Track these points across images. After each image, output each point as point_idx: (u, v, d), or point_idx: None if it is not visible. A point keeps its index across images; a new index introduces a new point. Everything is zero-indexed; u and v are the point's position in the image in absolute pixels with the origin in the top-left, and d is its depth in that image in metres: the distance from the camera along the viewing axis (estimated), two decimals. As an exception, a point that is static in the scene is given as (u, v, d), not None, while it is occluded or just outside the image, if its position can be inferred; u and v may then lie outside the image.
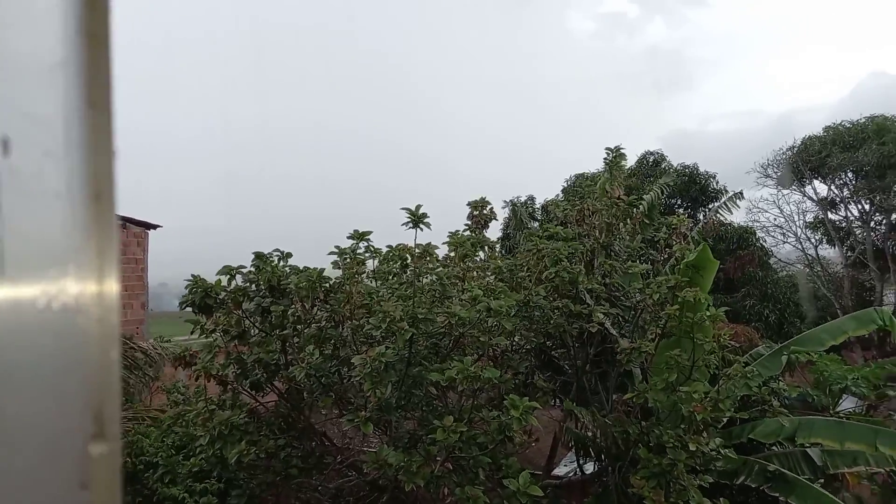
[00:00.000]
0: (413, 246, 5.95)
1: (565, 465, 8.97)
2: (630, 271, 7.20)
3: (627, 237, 8.06)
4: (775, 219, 22.57)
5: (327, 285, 5.75)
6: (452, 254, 6.73)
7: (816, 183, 21.77)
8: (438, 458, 5.12)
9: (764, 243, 21.23)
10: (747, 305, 18.41)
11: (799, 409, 8.32)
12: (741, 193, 19.35)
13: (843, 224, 22.15)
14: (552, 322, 6.85)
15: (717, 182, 20.27)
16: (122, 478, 0.62)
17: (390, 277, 6.69)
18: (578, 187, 8.58)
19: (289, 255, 6.02)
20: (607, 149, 8.33)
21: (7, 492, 0.65)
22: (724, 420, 7.15)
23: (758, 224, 22.09)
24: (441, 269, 6.32)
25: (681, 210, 19.64)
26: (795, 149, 21.71)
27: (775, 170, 22.25)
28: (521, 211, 18.03)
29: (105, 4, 0.58)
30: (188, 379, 6.06)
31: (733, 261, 19.02)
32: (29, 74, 0.62)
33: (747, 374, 6.44)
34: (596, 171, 8.70)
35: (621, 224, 7.87)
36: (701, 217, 19.94)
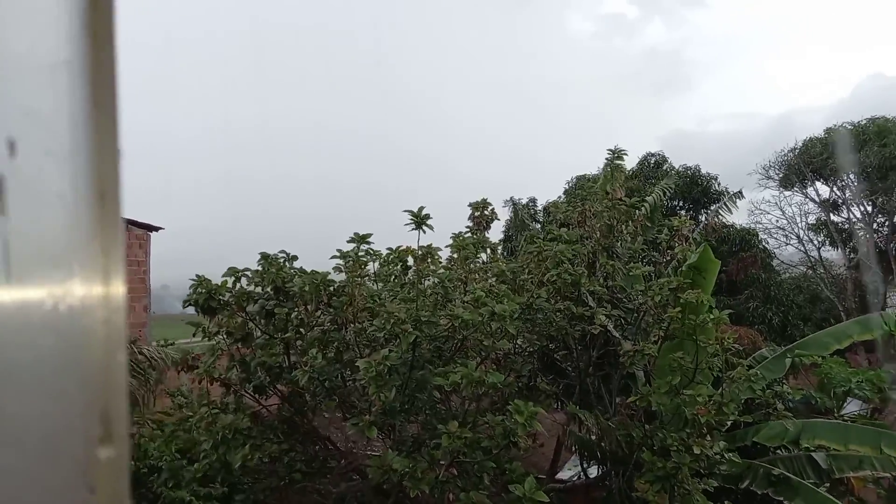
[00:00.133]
0: (416, 248, 5.93)
1: (569, 469, 8.93)
2: (632, 273, 7.19)
3: (629, 239, 8.04)
4: (777, 220, 22.56)
5: (332, 288, 5.74)
6: (455, 255, 6.72)
7: (818, 184, 21.74)
8: (443, 463, 5.10)
9: (766, 245, 21.22)
10: (750, 308, 18.38)
11: (803, 412, 8.29)
12: (741, 193, 19.28)
13: (846, 226, 22.10)
14: (554, 325, 6.83)
15: (719, 183, 20.27)
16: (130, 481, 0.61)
17: (392, 279, 6.69)
18: (580, 189, 8.57)
19: (294, 257, 6.01)
20: (608, 150, 8.32)
21: (13, 493, 0.65)
22: (729, 423, 7.13)
23: (760, 226, 22.09)
24: (443, 271, 6.30)
25: (683, 212, 19.63)
26: (797, 150, 21.68)
27: (777, 171, 22.23)
28: (522, 212, 18.03)
29: (109, 4, 0.57)
30: (191, 382, 6.04)
31: (736, 263, 19.00)
32: (33, 74, 0.61)
33: (751, 377, 6.42)
34: (597, 172, 8.69)
35: (623, 226, 7.85)
36: (703, 219, 19.92)
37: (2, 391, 0.67)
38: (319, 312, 5.85)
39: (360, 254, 5.82)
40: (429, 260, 5.99)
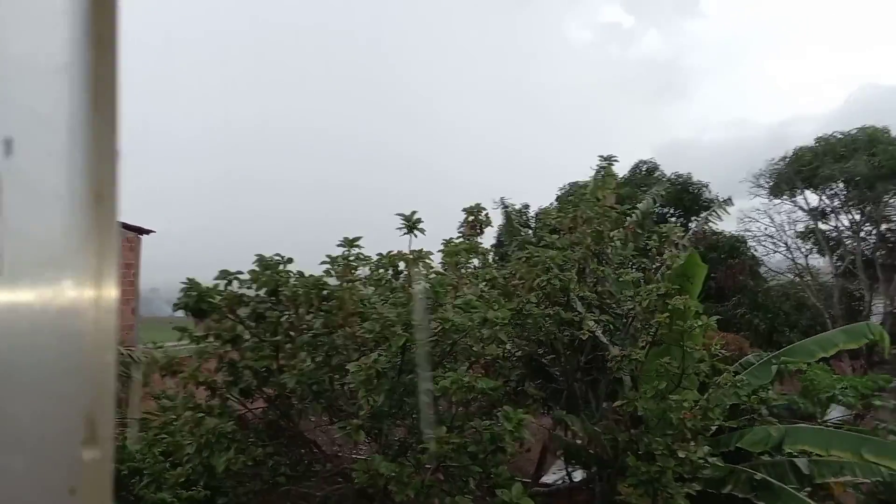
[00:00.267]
0: (407, 252, 5.95)
1: (554, 473, 8.96)
2: (621, 279, 7.24)
3: (619, 245, 8.10)
4: (766, 228, 22.76)
5: (325, 292, 5.73)
6: (447, 260, 6.74)
7: (808, 193, 21.96)
8: (429, 467, 5.11)
9: (755, 252, 21.43)
10: (738, 314, 18.54)
11: (787, 418, 8.37)
12: (730, 199, 19.48)
13: (834, 234, 22.33)
14: (543, 330, 6.87)
15: (710, 191, 20.45)
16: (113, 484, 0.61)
17: (383, 283, 6.69)
18: (572, 195, 8.62)
19: (290, 259, 5.99)
20: (600, 157, 8.38)
21: None
22: (714, 428, 7.19)
23: (749, 234, 22.29)
24: (434, 276, 6.32)
25: (673, 219, 19.76)
26: (787, 159, 21.90)
27: (767, 180, 22.43)
28: (514, 217, 18.07)
29: (112, 7, 0.58)
30: (176, 386, 6.01)
31: (725, 270, 19.16)
32: (34, 75, 0.62)
33: (736, 382, 6.48)
34: (590, 177, 8.75)
35: (613, 232, 7.91)
36: (693, 226, 20.06)
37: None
38: (311, 316, 5.84)
39: (350, 258, 5.82)
40: (420, 264, 6.01)
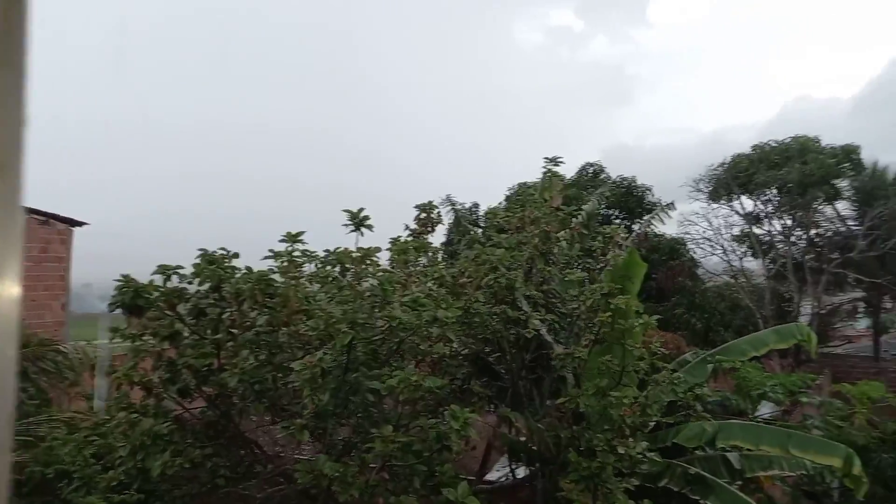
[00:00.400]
0: (353, 250, 5.86)
1: (498, 470, 9.04)
2: (567, 278, 7.35)
3: (565, 245, 8.23)
4: (704, 231, 23.56)
5: (270, 289, 5.59)
6: (395, 258, 6.70)
7: (744, 198, 22.85)
8: (373, 467, 5.07)
9: (694, 255, 22.14)
10: (677, 314, 19.15)
11: (720, 414, 8.69)
12: (672, 204, 20.12)
13: (767, 238, 23.32)
14: (490, 328, 6.91)
15: (653, 195, 21.04)
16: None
17: (329, 281, 6.59)
18: (520, 195, 8.73)
19: (235, 255, 5.83)
20: (545, 158, 8.49)
21: None
22: (652, 424, 7.40)
23: (688, 236, 23.02)
24: (382, 273, 6.26)
25: (617, 221, 20.25)
26: (725, 165, 22.74)
27: (706, 185, 23.24)
28: (463, 215, 18.15)
29: None
30: (109, 386, 5.78)
31: (665, 271, 19.77)
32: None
33: (674, 380, 6.68)
34: (536, 179, 8.87)
35: (560, 233, 8.03)
36: (636, 228, 20.62)
37: None
38: (255, 313, 5.70)
39: (293, 254, 5.71)
40: (367, 262, 5.95)
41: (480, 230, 16.19)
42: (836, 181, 21.00)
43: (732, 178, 22.15)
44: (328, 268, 6.47)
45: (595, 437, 6.01)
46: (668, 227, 20.19)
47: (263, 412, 5.71)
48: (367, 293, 5.95)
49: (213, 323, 5.61)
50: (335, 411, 5.42)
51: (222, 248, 5.77)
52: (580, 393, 6.35)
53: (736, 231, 23.49)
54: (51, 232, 11.81)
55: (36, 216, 11.17)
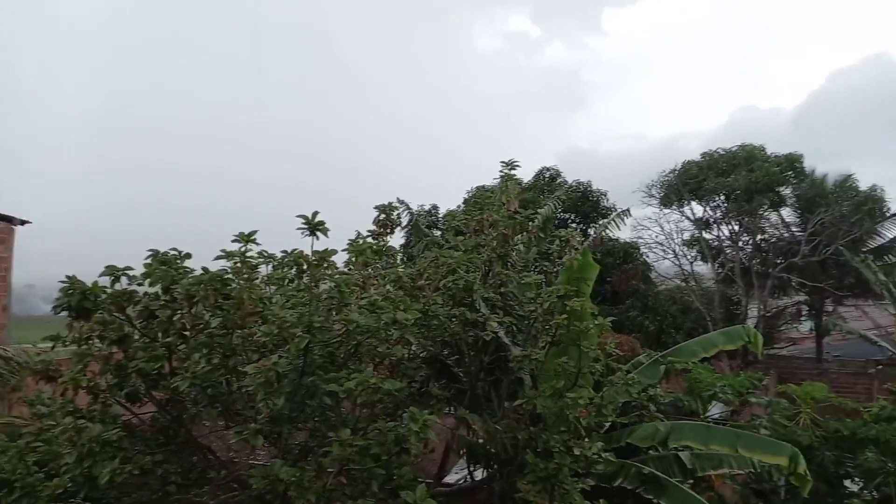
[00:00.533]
0: (308, 253, 5.76)
1: (456, 473, 9.06)
2: (524, 281, 7.42)
3: (523, 248, 8.31)
4: (657, 236, 24.13)
5: (226, 290, 5.45)
6: (354, 259, 6.64)
7: (694, 204, 23.50)
8: (331, 471, 5.01)
9: (647, 258, 22.66)
10: (630, 316, 19.56)
11: (672, 415, 8.90)
12: (628, 211, 20.59)
13: (716, 243, 24.04)
14: (449, 330, 6.92)
15: (608, 199, 21.44)
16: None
17: (285, 283, 6.49)
18: (478, 198, 8.78)
19: (187, 255, 5.65)
20: (502, 162, 8.56)
21: None
22: (607, 425, 7.53)
23: (641, 241, 23.54)
24: (339, 275, 6.19)
25: (574, 225, 20.56)
26: (676, 172, 23.35)
27: (658, 190, 23.81)
28: (418, 218, 18.16)
29: None
30: (54, 392, 5.54)
31: (619, 275, 20.17)
32: None
33: (628, 381, 6.82)
34: (494, 182, 8.93)
35: (518, 236, 8.10)
36: (592, 232, 20.98)
37: None
38: (209, 315, 5.56)
39: (248, 254, 5.58)
40: (324, 265, 5.87)
41: (439, 233, 16.25)
42: (780, 188, 21.82)
43: (683, 185, 22.77)
44: (283, 270, 6.38)
45: (552, 438, 6.08)
46: (622, 232, 20.66)
47: (216, 417, 5.56)
48: (324, 296, 5.88)
49: (164, 325, 5.45)
50: (291, 415, 5.33)
51: (174, 248, 5.61)
52: (537, 394, 6.41)
53: (686, 236, 24.17)
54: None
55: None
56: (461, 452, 8.22)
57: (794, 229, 23.03)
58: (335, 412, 5.84)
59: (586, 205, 21.09)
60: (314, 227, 5.28)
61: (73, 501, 4.90)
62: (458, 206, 15.71)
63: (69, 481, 4.92)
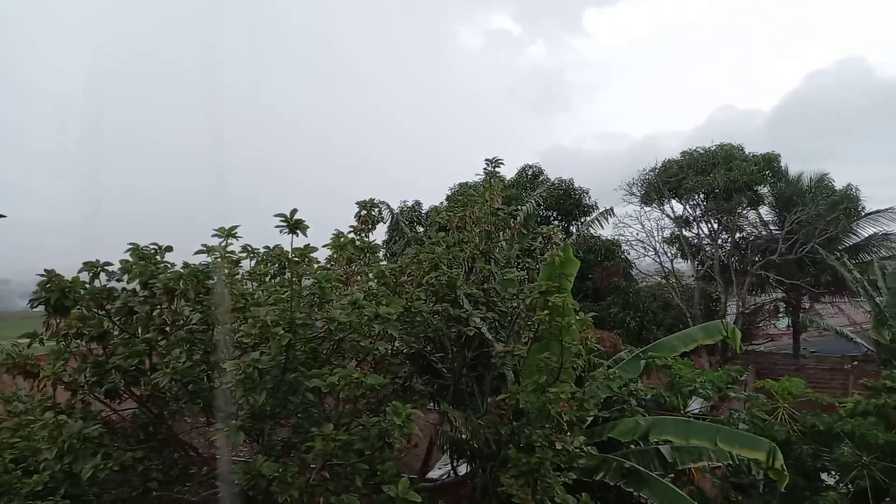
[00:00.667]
0: (289, 251, 5.71)
1: (440, 468, 9.08)
2: (506, 277, 7.46)
3: (506, 245, 8.34)
4: (638, 233, 24.30)
5: (208, 283, 5.38)
6: (336, 255, 6.62)
7: (674, 202, 23.73)
8: (314, 467, 4.99)
9: (628, 256, 22.82)
10: (612, 313, 19.71)
11: (653, 410, 9.00)
12: (612, 210, 20.79)
13: (695, 241, 24.30)
14: (432, 326, 6.93)
15: (590, 197, 21.56)
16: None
17: (267, 279, 6.45)
18: (461, 195, 8.80)
19: (168, 248, 5.58)
20: (486, 159, 8.59)
21: None
22: (589, 420, 7.59)
23: (623, 238, 23.69)
24: (321, 272, 6.16)
25: (556, 222, 20.66)
26: (657, 170, 23.56)
27: (639, 188, 24.00)
28: (399, 217, 18.19)
29: None
30: (32, 388, 5.45)
31: (601, 272, 20.31)
32: None
33: (609, 375, 6.88)
34: (477, 179, 8.95)
35: (500, 233, 8.13)
36: (574, 230, 21.10)
37: None
38: (189, 311, 5.51)
39: (229, 249, 5.52)
40: (305, 261, 5.83)
41: (422, 229, 16.24)
42: (758, 187, 22.11)
43: (663, 183, 22.97)
44: (263, 266, 6.34)
45: (534, 432, 6.11)
46: (603, 230, 20.83)
47: (198, 413, 5.52)
48: (306, 292, 5.85)
49: (144, 321, 5.39)
50: (273, 412, 5.30)
51: (154, 243, 5.55)
52: (520, 390, 6.44)
53: (667, 234, 24.38)
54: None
55: (-53, 209, 10.45)
56: (445, 448, 8.24)
57: (771, 228, 23.35)
58: (318, 408, 5.82)
59: (568, 202, 21.18)
60: (294, 226, 5.24)
61: (53, 499, 4.83)
62: (441, 203, 15.70)
63: (49, 478, 4.85)
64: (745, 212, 22.89)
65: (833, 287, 22.71)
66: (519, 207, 9.69)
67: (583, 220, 21.30)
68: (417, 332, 7.03)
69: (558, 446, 6.00)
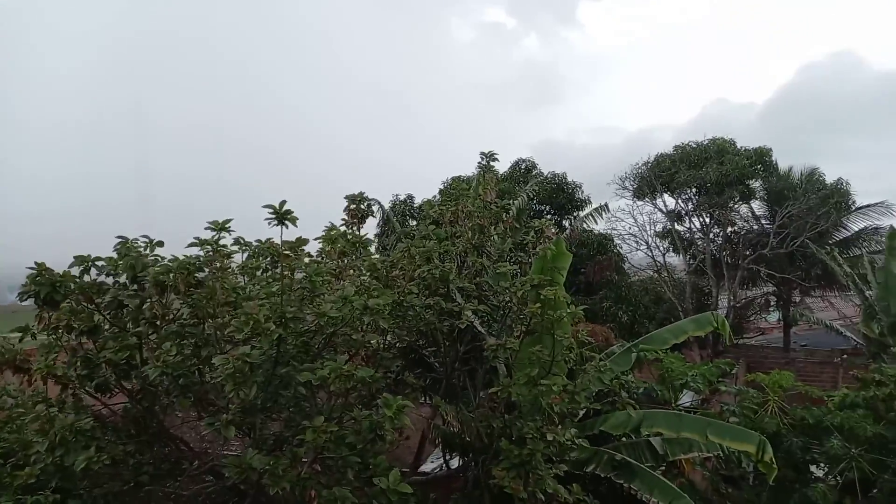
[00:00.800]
0: (279, 243, 5.69)
1: (432, 462, 9.11)
2: (499, 271, 7.47)
3: (498, 239, 8.35)
4: (630, 227, 24.37)
5: (195, 278, 5.36)
6: (328, 248, 6.60)
7: (666, 196, 23.78)
8: (305, 460, 4.99)
9: (620, 250, 22.88)
10: (604, 307, 19.76)
11: (645, 403, 9.05)
12: (606, 206, 20.83)
13: (687, 235, 24.38)
14: (424, 320, 6.93)
15: (583, 192, 21.58)
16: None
17: (259, 273, 6.43)
18: (453, 189, 8.79)
19: (159, 243, 5.55)
20: (481, 153, 8.59)
21: None
22: (581, 413, 7.63)
23: (615, 232, 23.74)
24: (312, 265, 6.15)
25: (548, 216, 20.66)
26: (649, 164, 23.61)
27: (631, 182, 24.05)
28: (390, 213, 18.18)
29: None
30: (21, 383, 5.42)
31: (593, 266, 20.36)
32: None
33: (600, 368, 6.91)
34: (472, 173, 8.95)
35: (493, 227, 8.14)
36: (567, 224, 21.12)
37: None
38: (180, 304, 5.49)
39: (220, 243, 5.49)
40: (296, 254, 5.81)
41: (414, 223, 16.21)
42: (749, 182, 22.20)
43: (656, 177, 23.02)
44: (255, 259, 6.32)
45: (526, 425, 6.14)
46: (597, 224, 20.86)
47: (189, 407, 5.51)
48: (297, 286, 5.84)
49: (134, 314, 5.37)
50: (265, 406, 5.30)
51: (145, 236, 5.52)
52: (512, 383, 6.46)
53: (659, 228, 24.46)
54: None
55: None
56: (437, 442, 8.27)
57: (763, 222, 23.46)
58: (310, 402, 5.82)
59: (561, 196, 21.19)
60: (282, 216, 5.21)
61: (42, 493, 4.81)
62: (434, 197, 15.68)
63: (40, 471, 4.84)
64: (736, 206, 22.98)
65: (823, 281, 22.86)
66: (511, 201, 9.69)
67: (576, 214, 21.31)
68: (410, 326, 7.03)
69: (549, 437, 6.02)
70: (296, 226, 5.34)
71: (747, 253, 22.50)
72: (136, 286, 5.34)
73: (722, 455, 8.17)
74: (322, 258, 6.69)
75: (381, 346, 6.70)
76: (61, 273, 5.22)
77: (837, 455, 9.06)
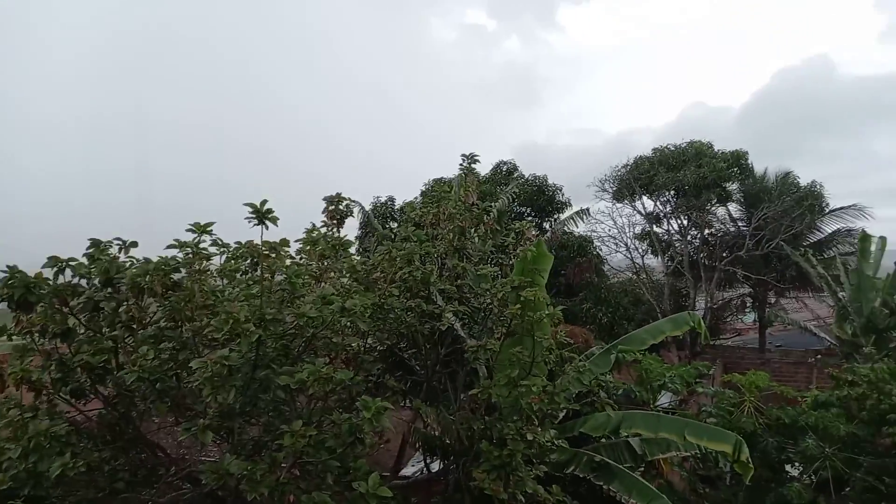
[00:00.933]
0: (259, 244, 5.64)
1: (413, 465, 9.08)
2: (479, 273, 7.48)
3: (479, 241, 8.36)
4: (610, 229, 24.58)
5: (174, 279, 5.28)
6: (308, 249, 6.55)
7: (645, 199, 24.03)
8: (284, 465, 4.94)
9: (600, 252, 23.06)
10: (584, 308, 19.90)
11: (624, 405, 9.12)
12: (587, 210, 20.99)
13: (665, 237, 24.65)
14: (405, 323, 6.91)
15: (563, 194, 21.72)
16: None
17: (238, 275, 6.36)
18: (435, 191, 8.78)
19: (133, 244, 5.46)
20: (462, 155, 8.60)
21: None
22: (561, 415, 7.67)
23: (595, 234, 23.93)
24: (292, 266, 6.10)
25: (529, 218, 20.75)
26: (629, 166, 23.83)
27: (611, 185, 24.26)
28: (370, 214, 18.13)
29: None
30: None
31: (574, 267, 20.49)
32: None
33: (580, 369, 6.95)
34: (454, 175, 8.94)
35: (474, 229, 8.14)
36: (547, 226, 21.23)
37: None
38: (156, 307, 5.40)
39: (201, 244, 5.43)
40: (276, 255, 5.77)
41: (396, 225, 16.19)
42: (726, 184, 22.51)
43: (635, 180, 23.25)
44: (234, 262, 6.25)
45: (506, 426, 6.15)
46: (577, 227, 21.01)
47: (166, 413, 5.42)
48: (276, 288, 5.78)
49: (110, 318, 5.28)
50: (243, 410, 5.24)
51: (118, 238, 5.43)
52: (492, 384, 6.47)
53: (638, 230, 24.70)
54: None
55: None
56: (417, 445, 8.24)
57: (739, 224, 23.81)
58: (290, 406, 5.77)
59: (541, 199, 21.30)
60: (262, 215, 5.16)
61: (15, 501, 4.70)
62: (416, 199, 15.66)
63: (11, 478, 4.72)
64: (713, 208, 23.29)
65: (798, 282, 23.27)
66: (493, 204, 9.71)
67: (556, 216, 21.44)
68: (390, 329, 7.01)
69: (529, 437, 6.04)
70: (276, 225, 5.28)
71: (724, 255, 22.80)
72: (110, 289, 5.25)
73: (699, 455, 8.26)
74: (302, 259, 6.65)
75: (362, 349, 6.66)
76: (34, 275, 5.12)
77: (812, 454, 9.21)
